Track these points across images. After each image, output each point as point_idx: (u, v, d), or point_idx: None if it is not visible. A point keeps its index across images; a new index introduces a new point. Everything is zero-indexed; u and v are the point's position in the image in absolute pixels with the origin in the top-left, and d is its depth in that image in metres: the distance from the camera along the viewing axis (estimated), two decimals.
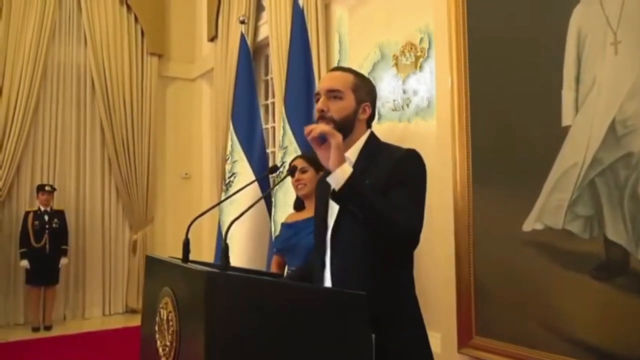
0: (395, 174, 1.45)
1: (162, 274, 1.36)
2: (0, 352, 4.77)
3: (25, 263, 5.42)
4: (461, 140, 2.56)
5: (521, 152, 2.27)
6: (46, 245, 5.48)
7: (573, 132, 2.08)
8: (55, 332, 5.47)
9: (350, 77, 1.56)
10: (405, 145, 3.06)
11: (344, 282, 1.45)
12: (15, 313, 5.72)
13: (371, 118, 1.62)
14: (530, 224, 2.23)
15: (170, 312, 1.18)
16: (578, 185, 2.07)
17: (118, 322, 5.91)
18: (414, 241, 1.40)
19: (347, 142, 1.54)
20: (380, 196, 1.40)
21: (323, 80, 1.57)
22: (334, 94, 1.52)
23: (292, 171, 1.37)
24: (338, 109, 1.51)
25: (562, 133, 2.11)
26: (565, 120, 2.11)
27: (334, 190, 1.34)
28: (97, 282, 6.21)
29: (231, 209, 3.43)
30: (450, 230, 2.61)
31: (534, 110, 2.23)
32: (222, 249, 1.09)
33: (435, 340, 2.79)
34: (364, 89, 1.58)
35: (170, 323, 1.17)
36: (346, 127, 1.52)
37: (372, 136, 1.60)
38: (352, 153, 1.55)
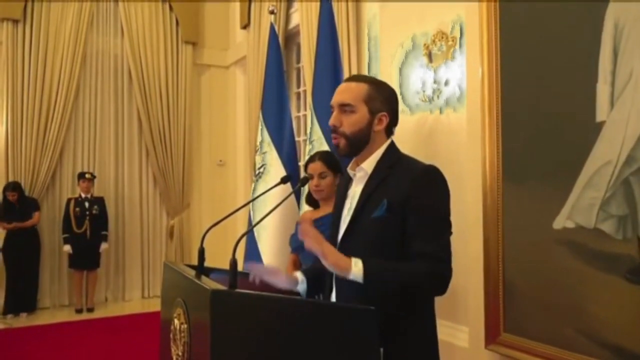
0: (414, 193, 1.42)
1: (176, 283, 1.38)
2: (46, 332, 5.02)
3: (67, 248, 5.65)
4: (491, 133, 2.50)
5: (553, 147, 2.19)
6: (87, 231, 5.68)
7: (607, 128, 1.99)
8: (97, 313, 5.72)
9: (363, 88, 1.52)
10: (436, 137, 3.05)
11: (346, 292, 1.44)
12: (60, 295, 6.00)
13: (391, 126, 1.58)
14: (561, 222, 2.16)
15: (182, 323, 1.21)
16: (612, 184, 1.98)
17: (156, 305, 6.07)
18: (446, 281, 1.42)
19: (365, 152, 1.55)
20: (396, 265, 1.39)
21: (336, 93, 1.55)
22: (345, 107, 1.51)
23: (304, 182, 1.35)
24: (350, 124, 1.50)
25: (596, 129, 2.02)
26: (600, 116, 2.02)
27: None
28: (136, 266, 6.43)
29: (261, 206, 3.44)
30: (479, 225, 2.56)
31: (566, 104, 2.14)
32: (230, 265, 1.10)
33: (463, 335, 2.77)
34: (379, 98, 1.53)
35: (182, 334, 1.20)
36: (360, 141, 1.52)
37: (392, 147, 1.58)
38: (369, 164, 1.54)
